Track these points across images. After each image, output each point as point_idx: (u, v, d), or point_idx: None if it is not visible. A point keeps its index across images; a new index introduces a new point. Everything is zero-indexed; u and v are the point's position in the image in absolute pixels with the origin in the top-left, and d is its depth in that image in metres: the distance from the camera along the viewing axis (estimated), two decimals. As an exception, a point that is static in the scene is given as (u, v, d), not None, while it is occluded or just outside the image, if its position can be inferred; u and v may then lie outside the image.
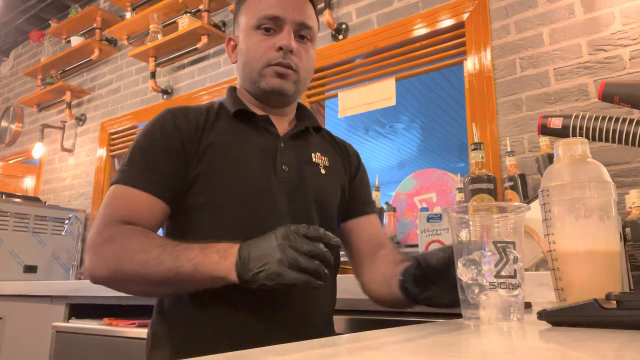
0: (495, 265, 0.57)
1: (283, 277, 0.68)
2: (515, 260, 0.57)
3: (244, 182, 0.88)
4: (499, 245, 0.57)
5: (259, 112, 0.97)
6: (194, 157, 0.89)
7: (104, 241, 0.80)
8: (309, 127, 1.03)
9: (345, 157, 1.08)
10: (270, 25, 0.93)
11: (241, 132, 0.94)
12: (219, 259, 0.73)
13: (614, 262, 0.67)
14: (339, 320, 1.18)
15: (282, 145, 0.95)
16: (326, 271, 0.70)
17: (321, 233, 0.71)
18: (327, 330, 0.96)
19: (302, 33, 0.95)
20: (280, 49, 0.91)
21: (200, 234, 0.84)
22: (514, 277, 0.57)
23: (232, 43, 1.02)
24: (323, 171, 0.99)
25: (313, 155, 0.99)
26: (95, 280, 0.80)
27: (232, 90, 1.03)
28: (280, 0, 0.94)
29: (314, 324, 0.90)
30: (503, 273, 0.57)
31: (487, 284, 0.57)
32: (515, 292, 0.57)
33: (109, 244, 0.79)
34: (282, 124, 1.01)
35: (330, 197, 0.99)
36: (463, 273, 0.59)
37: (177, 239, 0.81)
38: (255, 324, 0.83)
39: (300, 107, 1.08)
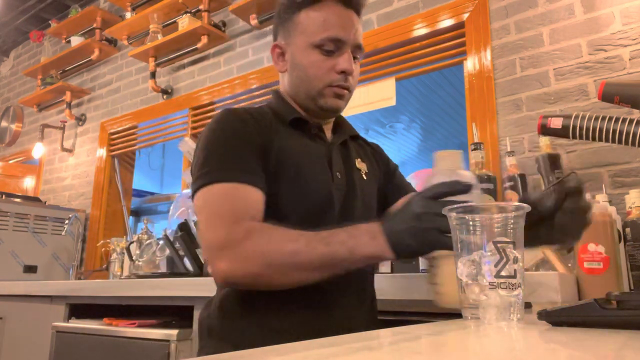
0: (495, 265, 0.57)
1: (437, 245, 0.69)
2: (515, 260, 0.57)
3: (310, 186, 0.91)
4: (499, 245, 0.58)
5: (311, 120, 1.01)
6: (267, 155, 0.90)
7: (242, 239, 0.78)
8: (347, 135, 1.07)
9: (380, 159, 1.14)
10: (331, 48, 0.95)
11: (299, 138, 0.97)
12: (369, 240, 0.74)
13: None
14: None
15: (334, 152, 1.00)
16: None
17: (447, 187, 0.70)
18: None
19: (356, 54, 0.99)
20: (342, 72, 0.95)
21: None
22: (514, 277, 0.57)
23: (278, 50, 1.03)
24: (365, 177, 1.03)
25: (356, 161, 1.04)
26: (238, 281, 0.80)
27: (281, 96, 1.04)
28: (341, 20, 0.95)
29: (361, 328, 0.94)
30: (503, 273, 0.57)
31: (487, 283, 0.57)
32: (516, 292, 0.57)
33: (248, 240, 0.78)
34: (328, 132, 1.05)
35: (373, 200, 1.04)
36: (463, 273, 0.59)
37: None
38: (307, 326, 0.87)
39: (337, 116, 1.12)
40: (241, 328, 0.89)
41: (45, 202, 3.13)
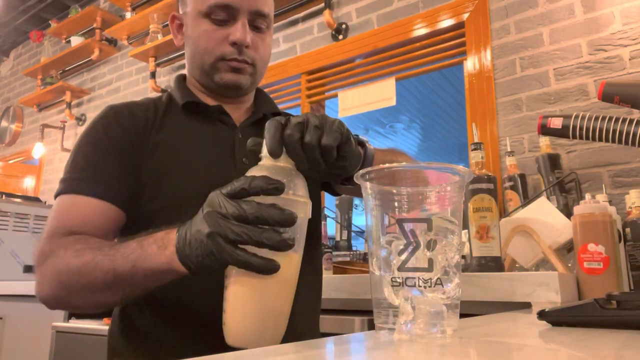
0: (399, 254, 0.43)
1: (220, 256, 0.52)
2: (432, 245, 0.42)
3: (201, 181, 0.78)
4: (405, 224, 0.43)
5: (211, 103, 0.90)
6: (144, 157, 0.81)
7: (45, 257, 0.71)
8: (267, 114, 0.92)
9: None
10: (222, 16, 0.84)
11: (193, 126, 0.86)
12: (158, 250, 0.60)
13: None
14: (338, 320, 1.18)
15: (240, 135, 0.86)
16: (280, 238, 0.51)
17: (247, 184, 0.52)
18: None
19: (257, 23, 0.87)
20: (235, 43, 0.84)
21: None
22: (429, 270, 0.42)
23: (176, 22, 0.93)
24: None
25: None
26: (44, 301, 0.72)
27: (181, 79, 0.95)
28: None
29: (292, 332, 0.84)
30: (409, 265, 0.42)
31: (390, 280, 0.43)
32: (433, 292, 0.42)
33: (49, 259, 0.70)
34: (239, 113, 0.92)
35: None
36: (375, 266, 0.46)
37: None
38: (219, 332, 0.78)
39: (259, 93, 0.99)
40: (144, 345, 0.79)
41: (45, 202, 3.12)
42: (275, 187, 0.52)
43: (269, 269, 0.51)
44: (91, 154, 0.80)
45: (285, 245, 0.51)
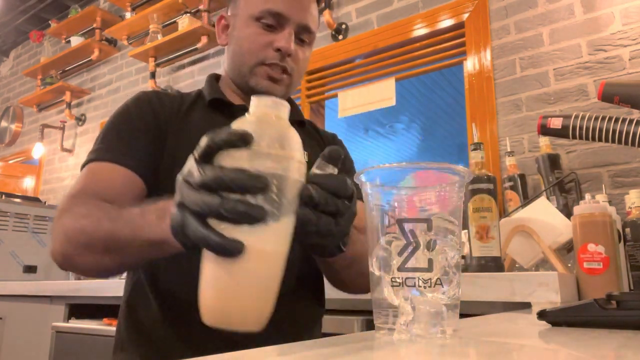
0: (399, 254, 0.43)
1: (187, 231, 0.44)
2: (432, 245, 0.42)
3: None
4: (405, 224, 0.43)
5: (238, 102, 0.92)
6: (166, 143, 0.83)
7: (61, 214, 0.71)
8: (291, 121, 0.95)
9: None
10: (271, 22, 0.87)
11: (215, 121, 0.85)
12: (156, 220, 0.57)
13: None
14: (338, 320, 1.18)
15: None
16: (244, 209, 0.42)
17: (212, 138, 0.44)
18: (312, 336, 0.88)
19: (303, 37, 0.90)
20: (279, 50, 0.86)
21: None
22: (428, 270, 0.42)
23: (223, 22, 0.95)
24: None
25: None
26: (54, 258, 0.71)
27: (213, 77, 0.98)
28: None
29: (295, 330, 0.80)
30: (409, 265, 0.42)
31: (390, 280, 0.43)
32: (433, 293, 0.42)
33: (64, 216, 0.70)
34: None
35: None
36: (375, 266, 0.45)
37: None
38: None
39: (287, 100, 1.02)
40: (151, 339, 0.79)
41: (45, 202, 3.12)
42: (240, 138, 0.42)
43: (228, 250, 0.41)
44: (121, 129, 0.83)
45: (249, 218, 0.41)
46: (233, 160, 0.43)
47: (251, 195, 0.42)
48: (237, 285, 0.43)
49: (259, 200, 0.42)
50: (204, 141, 0.44)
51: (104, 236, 0.63)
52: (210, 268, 0.44)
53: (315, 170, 0.50)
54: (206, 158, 0.44)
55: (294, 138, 0.46)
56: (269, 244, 0.44)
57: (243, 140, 0.42)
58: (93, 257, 0.66)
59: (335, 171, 0.51)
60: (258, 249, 0.43)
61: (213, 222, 0.43)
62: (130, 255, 0.63)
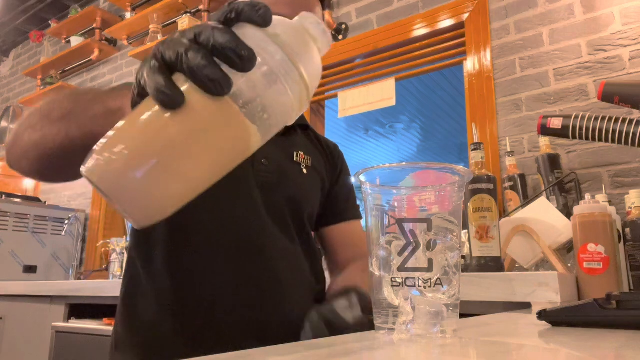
0: (399, 254, 0.43)
1: (138, 75, 0.38)
2: (432, 245, 0.42)
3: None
4: (405, 224, 0.43)
5: None
6: None
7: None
8: (295, 125, 0.95)
9: (330, 159, 1.01)
10: None
11: None
12: (120, 91, 0.57)
13: None
14: (338, 320, 1.18)
15: None
16: (204, 66, 0.35)
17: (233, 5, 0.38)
18: None
19: None
20: None
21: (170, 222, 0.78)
22: (428, 270, 0.42)
23: None
24: (305, 171, 0.92)
25: (295, 153, 0.92)
26: (6, 152, 0.68)
27: None
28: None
29: (291, 333, 0.80)
30: (409, 265, 0.42)
31: (390, 280, 0.43)
32: (433, 293, 0.42)
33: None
34: None
35: (308, 198, 0.92)
36: (375, 266, 0.46)
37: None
38: (219, 325, 0.75)
39: None
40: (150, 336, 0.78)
41: (45, 202, 3.13)
42: (262, 13, 0.37)
43: (166, 97, 0.35)
44: None
45: (204, 79, 0.35)
46: (242, 33, 0.37)
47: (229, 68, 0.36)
48: (151, 142, 0.35)
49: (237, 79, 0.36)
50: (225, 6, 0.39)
51: (64, 98, 0.62)
52: (136, 115, 0.37)
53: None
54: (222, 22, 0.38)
55: (316, 64, 0.40)
56: (216, 118, 0.36)
57: (263, 18, 0.37)
58: (41, 130, 0.62)
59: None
60: (195, 118, 0.36)
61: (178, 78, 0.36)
62: (78, 124, 0.59)
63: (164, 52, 0.37)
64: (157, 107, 0.35)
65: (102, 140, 0.36)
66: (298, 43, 0.39)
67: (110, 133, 0.37)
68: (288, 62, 0.38)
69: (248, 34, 0.37)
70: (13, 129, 0.67)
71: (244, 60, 0.35)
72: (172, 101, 0.35)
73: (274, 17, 0.39)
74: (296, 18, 0.41)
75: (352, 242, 0.99)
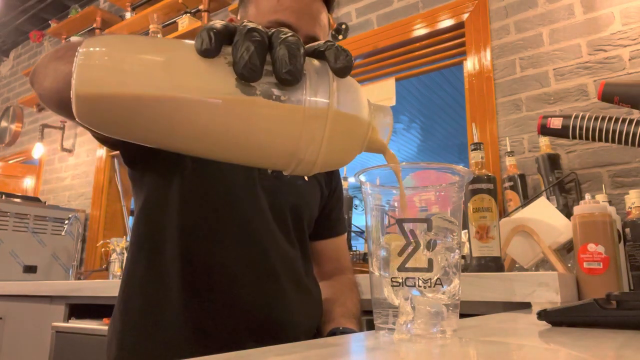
0: (399, 254, 0.43)
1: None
2: (432, 245, 0.42)
3: (229, 171, 0.81)
4: (405, 224, 0.43)
5: None
6: None
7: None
8: None
9: (329, 172, 1.02)
10: None
11: None
12: None
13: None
14: (338, 320, 1.18)
15: None
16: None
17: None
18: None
19: None
20: None
21: (181, 218, 0.79)
22: (428, 270, 0.42)
23: None
24: (306, 177, 0.94)
25: None
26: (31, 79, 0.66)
27: None
28: (298, 5, 0.83)
29: (287, 336, 0.82)
30: (409, 265, 0.42)
31: (390, 280, 0.43)
32: (433, 293, 0.42)
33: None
34: None
35: (308, 207, 0.94)
36: (375, 266, 0.46)
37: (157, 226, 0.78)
38: (212, 330, 0.76)
39: None
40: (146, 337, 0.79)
41: (45, 202, 3.13)
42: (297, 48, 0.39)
43: (206, 44, 0.37)
44: None
45: (248, 70, 0.37)
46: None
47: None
48: (151, 86, 0.36)
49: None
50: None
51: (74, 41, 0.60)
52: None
53: None
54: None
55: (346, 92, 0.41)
56: (230, 102, 0.38)
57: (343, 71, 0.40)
58: (55, 65, 0.61)
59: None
60: (215, 88, 0.37)
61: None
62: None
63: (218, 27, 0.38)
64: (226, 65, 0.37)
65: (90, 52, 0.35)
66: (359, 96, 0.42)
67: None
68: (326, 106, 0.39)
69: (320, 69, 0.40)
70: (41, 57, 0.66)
71: (292, 74, 0.38)
72: (210, 46, 0.37)
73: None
74: (374, 103, 0.44)
75: (337, 255, 1.05)
